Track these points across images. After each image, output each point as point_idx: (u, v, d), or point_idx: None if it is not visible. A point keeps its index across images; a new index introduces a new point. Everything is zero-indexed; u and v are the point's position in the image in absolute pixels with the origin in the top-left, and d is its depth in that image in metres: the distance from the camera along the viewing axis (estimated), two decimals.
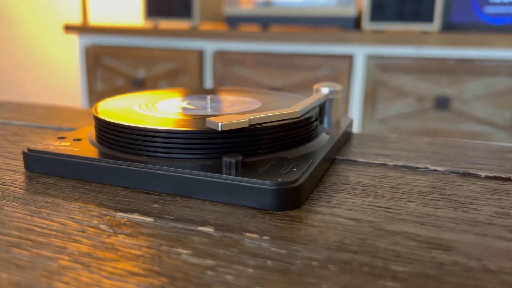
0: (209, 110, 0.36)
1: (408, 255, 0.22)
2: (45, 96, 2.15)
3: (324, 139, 0.36)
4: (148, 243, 0.23)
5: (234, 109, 0.36)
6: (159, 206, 0.27)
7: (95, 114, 0.34)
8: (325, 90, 0.41)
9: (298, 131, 0.33)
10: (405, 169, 0.35)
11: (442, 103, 1.22)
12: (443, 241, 0.23)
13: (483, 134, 1.21)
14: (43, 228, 0.24)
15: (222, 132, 0.30)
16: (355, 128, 1.30)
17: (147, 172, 0.29)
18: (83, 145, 0.34)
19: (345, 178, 0.32)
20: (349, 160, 0.36)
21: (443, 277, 0.20)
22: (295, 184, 0.27)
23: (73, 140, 0.35)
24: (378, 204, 0.28)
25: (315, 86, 0.42)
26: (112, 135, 0.32)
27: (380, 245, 0.23)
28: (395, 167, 0.35)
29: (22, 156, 0.36)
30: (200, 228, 0.24)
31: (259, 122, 0.31)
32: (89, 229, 0.24)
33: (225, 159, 0.28)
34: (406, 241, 0.23)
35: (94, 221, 0.25)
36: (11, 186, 0.30)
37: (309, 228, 0.25)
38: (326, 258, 0.21)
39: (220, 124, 0.29)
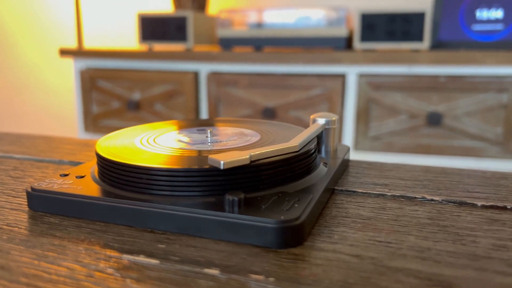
0: (209, 144, 0.37)
1: None
2: (42, 119, 2.15)
3: (322, 170, 0.37)
4: (156, 287, 0.23)
5: (234, 143, 0.37)
6: (164, 246, 0.28)
7: (98, 152, 0.35)
8: (321, 121, 0.42)
9: (298, 164, 0.34)
10: (403, 199, 0.35)
11: (434, 120, 1.24)
12: (444, 278, 0.24)
13: (475, 149, 1.22)
14: (50, 273, 0.24)
15: (224, 169, 0.30)
16: (349, 145, 1.31)
17: (151, 211, 0.30)
18: (86, 183, 0.34)
19: (345, 210, 0.33)
20: (348, 191, 0.37)
21: None
22: (298, 222, 0.27)
23: (76, 177, 0.36)
24: (378, 239, 0.29)
25: (311, 117, 0.43)
26: (115, 174, 0.33)
27: (383, 284, 0.23)
28: (393, 197, 0.36)
29: (25, 194, 0.37)
30: (206, 270, 0.25)
31: (260, 158, 0.32)
32: (97, 273, 0.24)
33: (228, 197, 0.29)
34: (408, 279, 0.24)
35: (101, 265, 0.25)
36: (16, 227, 0.31)
37: (313, 267, 0.25)
38: None
39: (222, 162, 0.30)
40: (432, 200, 0.35)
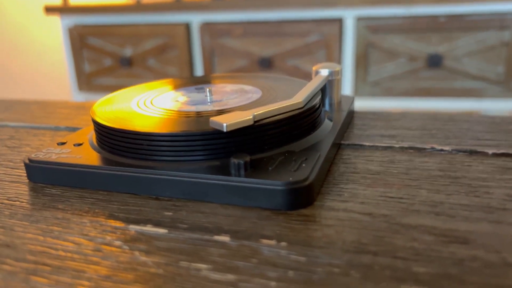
0: (209, 104, 0.35)
1: (427, 252, 0.22)
2: (34, 82, 2.11)
3: (328, 125, 0.35)
4: (166, 259, 0.22)
5: (236, 102, 0.35)
6: (170, 213, 0.27)
7: (94, 119, 0.33)
8: (324, 72, 0.40)
9: (303, 121, 0.33)
10: (412, 150, 0.34)
11: (434, 62, 1.21)
12: (460, 233, 0.23)
13: (476, 89, 1.21)
14: (57, 249, 0.24)
15: (227, 131, 0.29)
16: (348, 91, 1.29)
17: (155, 178, 0.29)
18: (85, 151, 0.33)
19: (353, 166, 0.32)
20: (355, 145, 0.36)
21: (466, 276, 0.20)
22: (307, 182, 0.27)
23: (74, 145, 0.34)
24: (390, 194, 0.28)
25: (314, 68, 0.42)
26: (114, 141, 0.32)
27: (398, 243, 0.23)
28: (402, 149, 0.35)
29: (23, 165, 0.36)
30: (216, 237, 0.24)
31: (264, 118, 0.31)
32: (104, 247, 0.24)
33: (233, 161, 0.28)
34: (423, 236, 0.23)
35: (108, 237, 0.25)
36: (18, 201, 0.30)
37: (325, 228, 0.25)
38: (346, 263, 0.21)
39: (225, 125, 0.28)
40: (441, 150, 0.34)
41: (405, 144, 0.35)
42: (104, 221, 0.27)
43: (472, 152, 0.33)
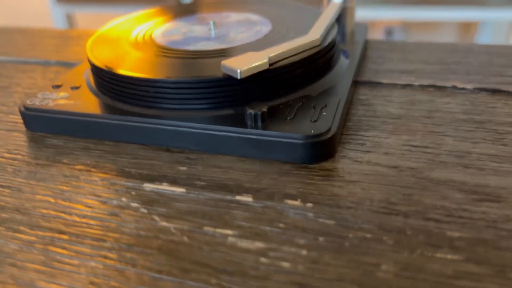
0: (216, 40, 0.32)
1: (459, 213, 0.21)
2: None
3: (344, 62, 0.33)
4: (189, 224, 0.21)
5: (245, 38, 0.33)
6: (185, 168, 0.26)
7: (92, 61, 0.31)
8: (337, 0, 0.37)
9: (320, 61, 0.30)
10: (432, 89, 0.33)
11: None
12: (490, 189, 0.23)
13: None
14: (71, 214, 0.23)
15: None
16: None
17: (166, 129, 0.27)
18: (84, 96, 0.31)
19: (372, 108, 0.31)
20: (372, 83, 0.34)
21: (501, 241, 0.20)
22: (329, 135, 0.25)
23: (71, 88, 0.32)
24: (414, 143, 0.27)
25: None
26: (117, 86, 0.29)
27: (428, 202, 0.22)
28: (422, 87, 0.33)
29: (17, 109, 0.34)
30: (238, 197, 0.23)
31: (279, 59, 0.28)
32: (121, 210, 0.23)
33: (249, 111, 0.26)
34: (453, 193, 0.22)
35: (123, 199, 0.23)
36: (19, 154, 0.28)
37: (350, 185, 0.23)
38: (378, 228, 0.21)
39: (239, 71, 0.26)
40: (463, 89, 0.32)
41: (425, 82, 0.33)
42: (115, 178, 0.25)
43: (495, 91, 0.32)
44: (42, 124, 0.30)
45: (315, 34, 0.30)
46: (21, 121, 0.32)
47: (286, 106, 0.28)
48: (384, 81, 0.34)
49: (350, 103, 0.31)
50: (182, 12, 0.40)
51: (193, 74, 0.27)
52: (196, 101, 0.28)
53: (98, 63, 0.30)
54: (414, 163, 0.25)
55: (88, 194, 0.24)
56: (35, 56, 0.43)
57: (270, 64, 0.28)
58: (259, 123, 0.26)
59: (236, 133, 0.26)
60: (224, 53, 0.30)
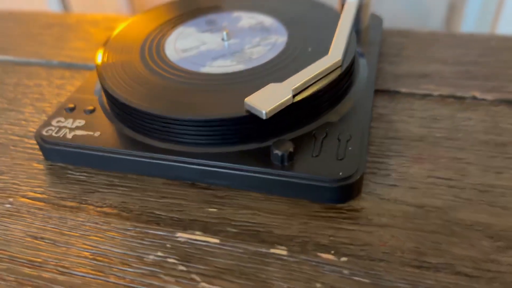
0: (232, 58, 0.31)
1: (487, 265, 0.22)
2: None
3: (363, 74, 0.32)
4: (229, 285, 0.22)
5: (261, 54, 0.31)
6: (215, 210, 0.26)
7: (107, 90, 0.29)
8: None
9: (342, 83, 0.30)
10: (451, 99, 0.32)
11: None
12: None
13: None
14: (110, 273, 0.23)
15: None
16: None
17: (195, 168, 0.27)
18: (101, 123, 0.30)
19: (394, 127, 0.30)
20: (390, 92, 0.33)
21: None
22: (357, 177, 0.25)
23: (85, 112, 0.31)
24: (438, 174, 0.27)
25: None
26: (139, 121, 0.28)
27: (456, 251, 0.23)
28: (441, 98, 0.32)
29: (30, 128, 0.33)
30: (272, 250, 0.24)
31: (302, 89, 0.28)
32: (160, 268, 0.23)
33: (276, 152, 0.26)
34: (479, 241, 0.23)
35: (159, 253, 0.24)
36: (44, 194, 0.28)
37: (380, 230, 0.24)
38: (411, 287, 0.22)
39: (264, 112, 0.25)
40: (483, 100, 0.32)
41: (444, 92, 0.33)
42: (148, 227, 0.25)
43: None
44: (62, 156, 0.30)
45: (336, 54, 0.29)
46: (37, 146, 0.31)
47: (310, 137, 0.27)
48: (403, 89, 0.34)
49: (371, 118, 0.31)
50: (188, 10, 0.38)
51: (218, 111, 0.27)
52: (221, 137, 0.27)
53: (117, 96, 0.29)
54: (439, 201, 0.25)
55: (123, 247, 0.24)
56: (35, 53, 0.42)
57: (294, 95, 0.27)
58: (286, 163, 0.26)
59: (263, 174, 0.26)
60: (243, 78, 0.29)
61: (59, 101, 0.36)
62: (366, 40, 0.36)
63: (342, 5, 0.36)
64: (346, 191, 0.25)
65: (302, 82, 0.27)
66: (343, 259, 0.23)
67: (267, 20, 0.35)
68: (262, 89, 0.27)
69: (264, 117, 0.26)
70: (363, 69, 0.33)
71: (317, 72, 0.28)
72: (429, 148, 0.29)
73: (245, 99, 0.26)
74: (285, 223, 0.25)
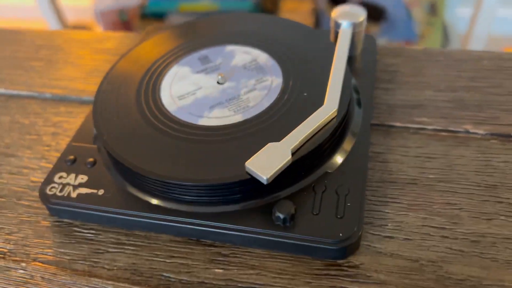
0: (228, 106, 0.31)
1: None
2: None
3: (358, 118, 0.32)
4: None
5: (257, 101, 0.31)
6: (221, 271, 0.27)
7: (113, 156, 0.29)
8: (347, 27, 0.35)
9: (338, 131, 0.30)
10: (445, 133, 0.33)
11: None
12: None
13: None
14: None
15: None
16: None
17: (200, 229, 0.28)
18: (104, 180, 0.30)
19: (388, 167, 0.31)
20: (385, 126, 0.34)
21: None
22: (357, 237, 0.26)
23: (87, 165, 0.31)
24: (432, 223, 0.28)
25: (333, 15, 0.36)
26: (143, 182, 0.29)
27: None
28: (435, 132, 0.33)
29: (31, 178, 0.33)
30: None
31: (300, 146, 0.28)
32: None
33: (278, 215, 0.27)
34: None
35: None
36: (56, 256, 0.29)
37: None
38: None
39: (265, 178, 0.26)
40: (475, 133, 0.33)
41: (437, 125, 0.34)
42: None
43: (506, 137, 0.32)
44: (67, 214, 0.30)
45: (332, 104, 0.30)
46: (38, 197, 0.32)
47: (309, 192, 0.28)
48: (397, 123, 0.34)
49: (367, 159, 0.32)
50: (182, 50, 0.37)
51: (219, 172, 0.27)
52: (223, 198, 0.28)
53: (119, 159, 0.29)
54: (433, 254, 0.27)
55: None
56: (25, 84, 0.41)
57: (292, 153, 0.28)
58: (288, 224, 0.27)
59: (266, 236, 0.27)
60: (242, 131, 0.30)
61: (57, 142, 0.36)
62: (361, 67, 0.36)
63: (336, 33, 0.36)
64: (345, 249, 0.27)
65: (300, 140, 0.28)
66: None
67: (261, 57, 0.35)
68: (262, 151, 0.27)
69: (265, 183, 0.26)
70: (358, 115, 0.32)
71: (314, 128, 0.29)
72: (423, 193, 0.30)
73: (246, 163, 0.27)
74: (290, 284, 0.26)
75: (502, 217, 0.28)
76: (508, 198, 0.29)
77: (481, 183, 0.30)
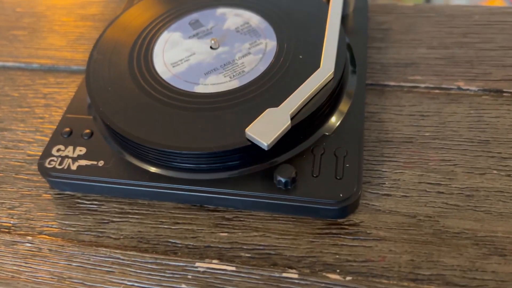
0: (223, 71, 0.31)
1: (472, 274, 0.25)
2: None
3: (353, 79, 0.32)
4: None
5: (252, 62, 0.31)
6: (226, 234, 0.28)
7: (111, 127, 0.29)
8: None
9: (334, 93, 0.30)
10: (438, 91, 0.33)
11: None
12: (497, 239, 0.26)
13: None
14: None
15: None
16: None
17: (202, 196, 0.28)
18: (103, 151, 0.30)
19: (384, 127, 0.32)
20: (379, 86, 0.34)
21: None
22: (356, 196, 0.27)
23: (83, 137, 0.31)
24: (428, 180, 0.29)
25: None
26: (143, 152, 0.29)
27: (446, 261, 0.26)
28: (428, 90, 0.34)
29: (29, 152, 0.33)
30: (285, 275, 0.26)
31: (298, 110, 0.28)
32: None
33: (280, 179, 0.27)
34: (466, 248, 0.26)
35: (183, 285, 0.26)
36: (61, 228, 0.29)
37: (379, 244, 0.27)
38: None
39: (266, 144, 0.26)
40: (468, 90, 0.33)
41: (430, 83, 0.34)
42: (167, 258, 0.27)
43: (498, 93, 0.33)
44: (69, 187, 0.30)
45: (328, 66, 0.30)
46: (38, 171, 0.32)
47: (309, 155, 0.29)
48: (391, 83, 0.34)
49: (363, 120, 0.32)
50: (167, 6, 0.36)
51: (219, 139, 0.28)
52: (224, 164, 0.28)
53: (117, 129, 0.29)
54: (430, 210, 0.28)
55: (149, 281, 0.27)
56: (11, 55, 0.40)
57: (291, 118, 0.28)
58: (289, 187, 0.28)
59: (269, 199, 0.28)
60: (239, 97, 0.30)
61: (51, 114, 0.36)
62: (353, 26, 0.36)
63: None
64: (346, 209, 0.28)
65: (299, 104, 0.28)
66: (348, 278, 0.26)
67: (253, 19, 0.34)
68: (261, 117, 0.28)
69: (266, 149, 0.27)
70: (352, 78, 0.33)
71: (311, 91, 0.29)
72: (418, 151, 0.31)
73: (246, 130, 0.27)
74: (293, 244, 0.27)
75: (495, 171, 0.29)
76: (500, 153, 0.30)
77: (474, 138, 0.31)
